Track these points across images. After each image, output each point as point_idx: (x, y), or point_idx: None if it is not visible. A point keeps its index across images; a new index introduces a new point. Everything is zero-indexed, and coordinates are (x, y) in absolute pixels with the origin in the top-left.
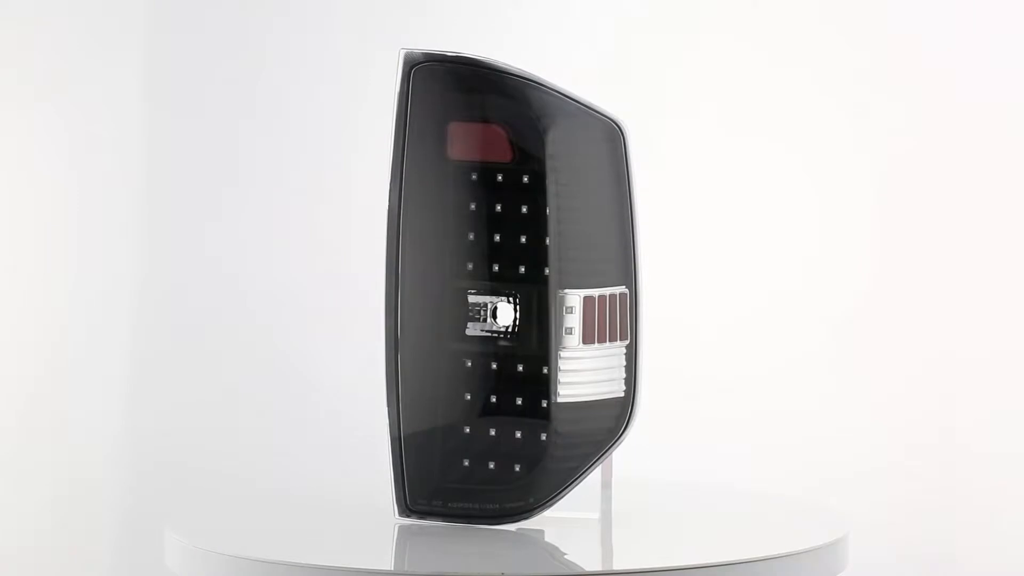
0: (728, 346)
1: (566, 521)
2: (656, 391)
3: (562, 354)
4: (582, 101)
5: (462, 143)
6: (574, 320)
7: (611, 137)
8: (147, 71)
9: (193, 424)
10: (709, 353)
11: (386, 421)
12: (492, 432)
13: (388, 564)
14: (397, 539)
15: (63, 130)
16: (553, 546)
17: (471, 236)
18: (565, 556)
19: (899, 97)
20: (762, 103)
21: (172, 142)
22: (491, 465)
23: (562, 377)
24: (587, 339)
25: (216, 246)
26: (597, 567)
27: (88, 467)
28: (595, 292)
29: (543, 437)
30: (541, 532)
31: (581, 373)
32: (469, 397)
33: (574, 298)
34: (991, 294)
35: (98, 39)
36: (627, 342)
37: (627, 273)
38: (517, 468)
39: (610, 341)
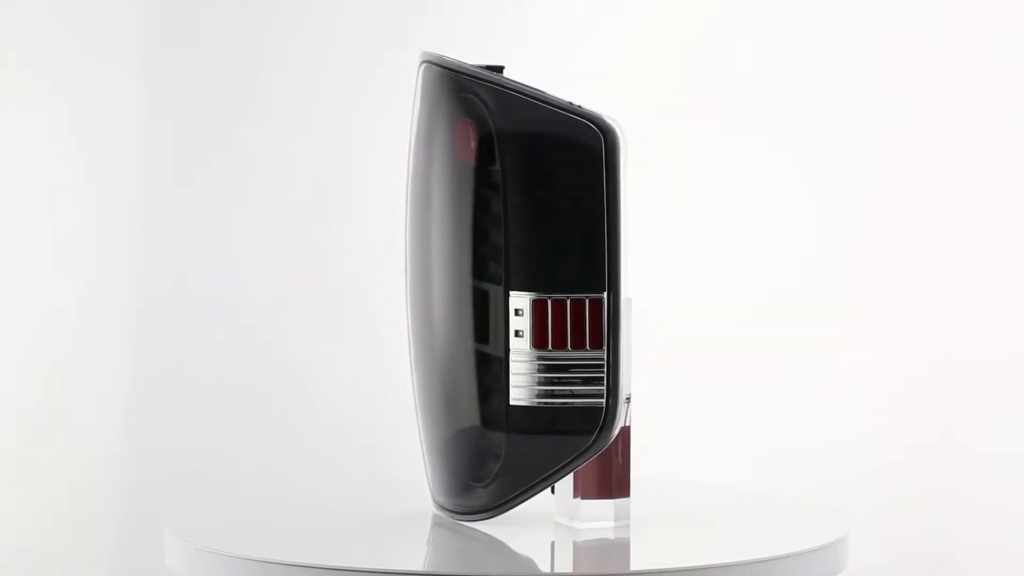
0: (728, 346)
1: (566, 522)
2: (656, 391)
3: (512, 356)
4: (554, 102)
5: (449, 143)
6: (523, 323)
7: (589, 140)
8: (147, 75)
9: (193, 424)
10: (709, 353)
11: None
12: (477, 432)
13: (386, 564)
14: (395, 539)
15: (66, 132)
16: (551, 547)
17: (454, 236)
18: (563, 557)
19: (899, 97)
20: (762, 103)
21: (172, 143)
22: (474, 464)
23: (514, 380)
24: (539, 343)
25: (217, 246)
26: (597, 568)
27: (88, 467)
28: (548, 296)
29: (505, 439)
30: (542, 533)
31: (536, 376)
32: (461, 398)
33: (523, 301)
34: (991, 294)
35: (98, 38)
36: (600, 351)
37: (602, 280)
38: (489, 469)
39: (574, 348)
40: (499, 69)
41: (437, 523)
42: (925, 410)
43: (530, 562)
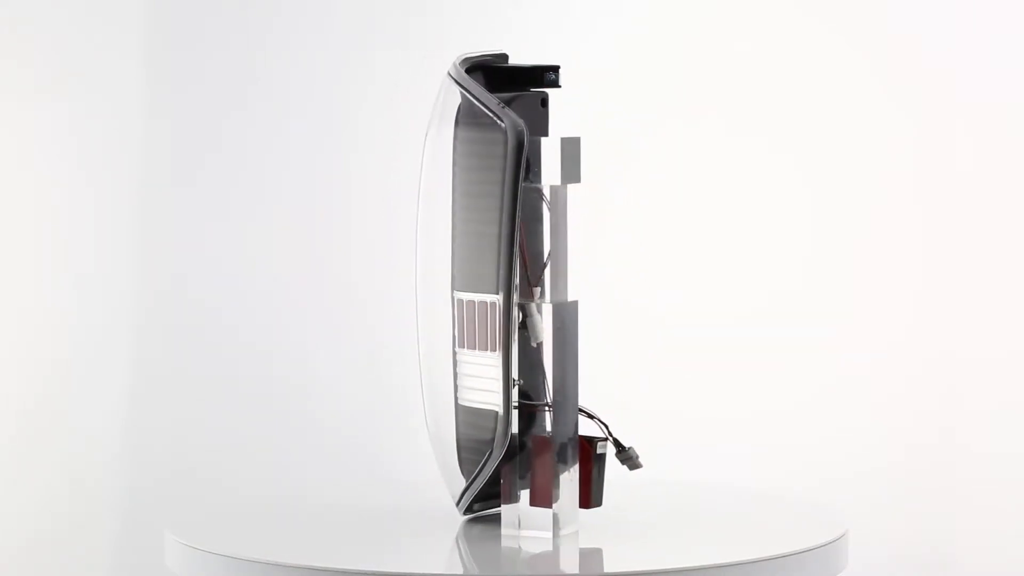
0: (728, 346)
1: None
2: (656, 391)
3: (456, 356)
4: (486, 101)
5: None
6: (457, 322)
7: (497, 141)
8: (147, 75)
9: (194, 425)
10: (709, 353)
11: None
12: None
13: (386, 564)
14: (395, 539)
15: (66, 132)
16: (549, 547)
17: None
18: (562, 557)
19: (899, 97)
20: (762, 103)
21: (172, 143)
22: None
23: (458, 380)
24: (460, 343)
25: (217, 247)
26: (596, 568)
27: (89, 467)
28: (465, 296)
29: (456, 436)
30: (540, 533)
31: (466, 378)
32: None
33: (454, 299)
34: (991, 294)
35: (98, 38)
36: (496, 353)
37: (498, 283)
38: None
39: (479, 349)
40: (555, 69)
41: (435, 523)
42: (925, 410)
43: (525, 563)
